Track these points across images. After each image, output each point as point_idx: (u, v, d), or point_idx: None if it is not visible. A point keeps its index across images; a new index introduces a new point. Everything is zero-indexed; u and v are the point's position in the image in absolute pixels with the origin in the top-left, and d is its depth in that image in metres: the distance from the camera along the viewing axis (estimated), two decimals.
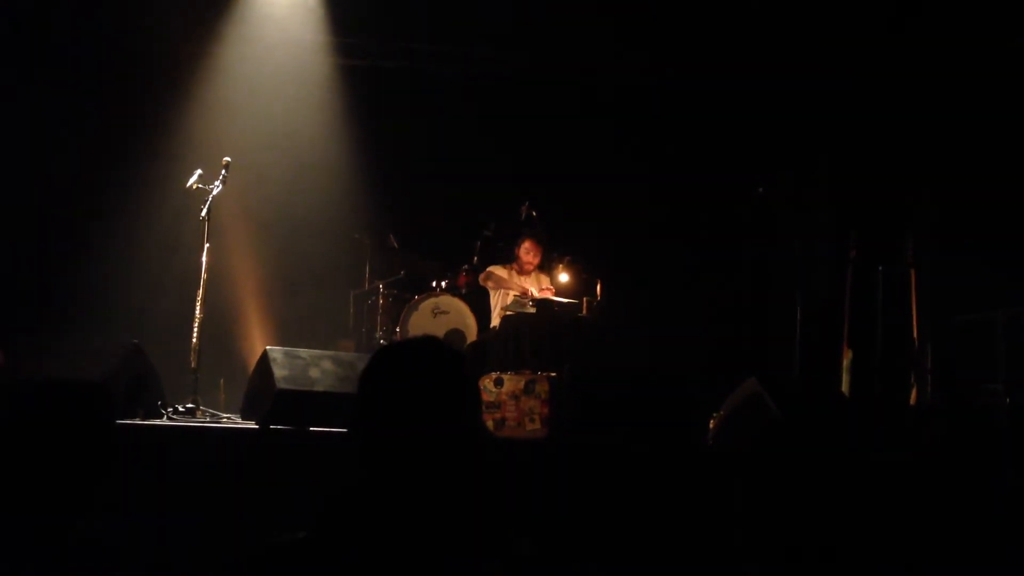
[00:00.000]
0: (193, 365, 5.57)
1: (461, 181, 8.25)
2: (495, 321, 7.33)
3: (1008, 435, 5.20)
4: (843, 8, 7.52)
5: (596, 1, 7.91)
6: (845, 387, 7.04)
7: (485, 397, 5.51)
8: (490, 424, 5.45)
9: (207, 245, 5.68)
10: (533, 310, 7.03)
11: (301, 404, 4.67)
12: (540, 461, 4.45)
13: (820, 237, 7.89)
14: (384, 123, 8.53)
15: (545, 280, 7.41)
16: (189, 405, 5.32)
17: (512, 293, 7.28)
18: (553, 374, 5.62)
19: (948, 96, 7.08)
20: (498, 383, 5.50)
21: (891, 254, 7.06)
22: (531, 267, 7.40)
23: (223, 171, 5.80)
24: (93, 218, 7.84)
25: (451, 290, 7.78)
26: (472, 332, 7.62)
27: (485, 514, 1.70)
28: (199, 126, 8.13)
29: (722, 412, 5.05)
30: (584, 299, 7.20)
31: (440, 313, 7.70)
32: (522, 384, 5.46)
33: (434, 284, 7.84)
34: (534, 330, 6.73)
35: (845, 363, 7.09)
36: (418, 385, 1.73)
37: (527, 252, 7.38)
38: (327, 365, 4.98)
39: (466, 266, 7.80)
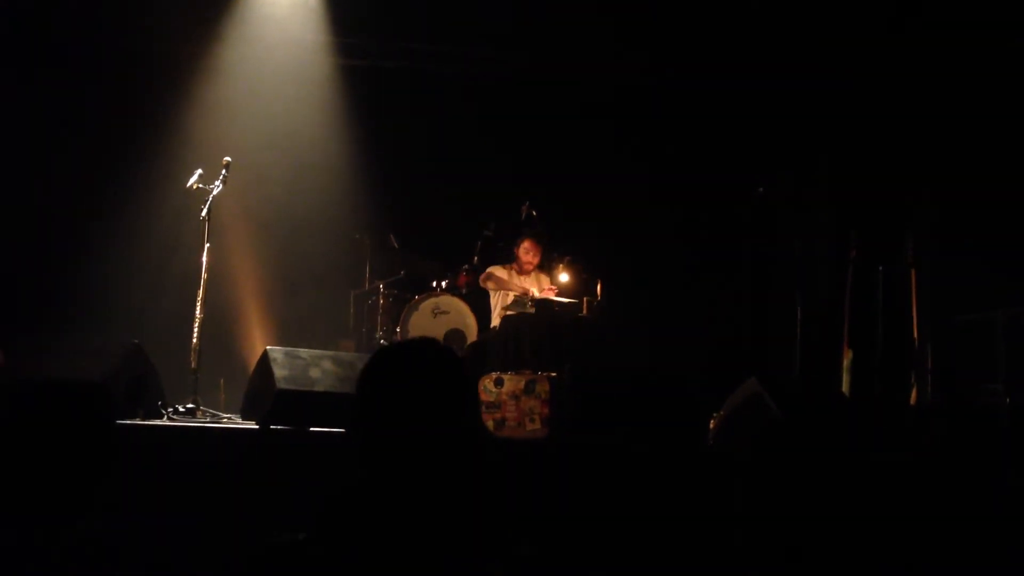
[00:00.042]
0: (193, 365, 5.57)
1: (461, 181, 8.25)
2: (495, 321, 7.33)
3: (1008, 435, 5.19)
4: (843, 7, 7.53)
5: (596, 1, 7.91)
6: (845, 387, 7.04)
7: (485, 397, 5.51)
8: (490, 424, 5.45)
9: (207, 245, 5.68)
10: (533, 310, 7.03)
11: (301, 404, 4.67)
12: (540, 461, 4.45)
13: (820, 237, 7.88)
14: (384, 123, 8.53)
15: (545, 280, 7.41)
16: (189, 405, 5.33)
17: (512, 293, 7.28)
18: (553, 374, 5.62)
19: (948, 96, 7.08)
20: (498, 383, 5.50)
21: (891, 254, 7.06)
22: (531, 267, 7.40)
23: (223, 171, 5.80)
24: (93, 218, 7.85)
25: (451, 290, 7.78)
26: (472, 332, 7.62)
27: (485, 514, 1.70)
28: (199, 126, 8.13)
29: (722, 412, 5.05)
30: (584, 299, 7.20)
31: (440, 313, 7.70)
32: (522, 384, 5.46)
33: (434, 284, 7.84)
34: (534, 330, 6.73)
35: (845, 363, 7.09)
36: (416, 386, 1.73)
37: (527, 252, 7.37)
38: (327, 365, 4.98)
39: (466, 266, 7.80)
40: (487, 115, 8.43)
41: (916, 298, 7.00)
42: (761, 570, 3.30)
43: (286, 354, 4.97)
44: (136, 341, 5.23)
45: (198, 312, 5.61)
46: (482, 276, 7.43)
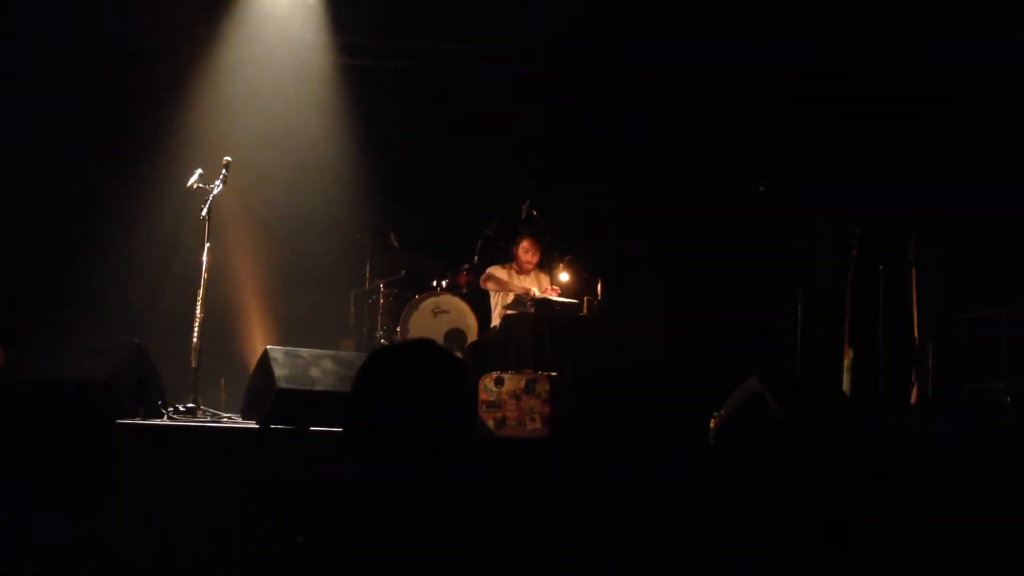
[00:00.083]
0: (194, 365, 5.56)
1: (462, 180, 8.25)
2: (496, 320, 7.33)
3: (1010, 433, 5.19)
4: (843, 7, 7.53)
5: (596, 1, 7.92)
6: (846, 386, 7.02)
7: (486, 396, 5.50)
8: (491, 423, 5.45)
9: (208, 245, 5.67)
10: (533, 310, 7.03)
11: (302, 404, 4.66)
12: (541, 460, 4.45)
13: (821, 236, 7.88)
14: (385, 122, 8.53)
15: (545, 279, 7.41)
16: (190, 405, 5.32)
17: (513, 294, 7.28)
18: (554, 373, 5.62)
19: (948, 94, 7.07)
20: (499, 382, 5.50)
21: (892, 252, 7.05)
22: (530, 266, 7.39)
23: (223, 171, 5.80)
24: (94, 218, 7.86)
25: (452, 289, 7.78)
26: (473, 331, 7.62)
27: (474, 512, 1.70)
28: (200, 126, 8.14)
29: (723, 411, 5.04)
30: (585, 298, 7.19)
31: (441, 312, 7.70)
32: (523, 383, 5.45)
33: (435, 283, 7.84)
34: (535, 329, 6.72)
35: (846, 362, 7.07)
36: (412, 386, 1.73)
37: (526, 251, 7.37)
38: (328, 364, 4.98)
39: (467, 265, 7.79)
40: (488, 114, 8.42)
41: (917, 296, 6.99)
42: (764, 569, 3.30)
43: (286, 353, 4.97)
44: (136, 341, 5.23)
45: (198, 311, 5.61)
46: (482, 277, 7.43)
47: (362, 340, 8.20)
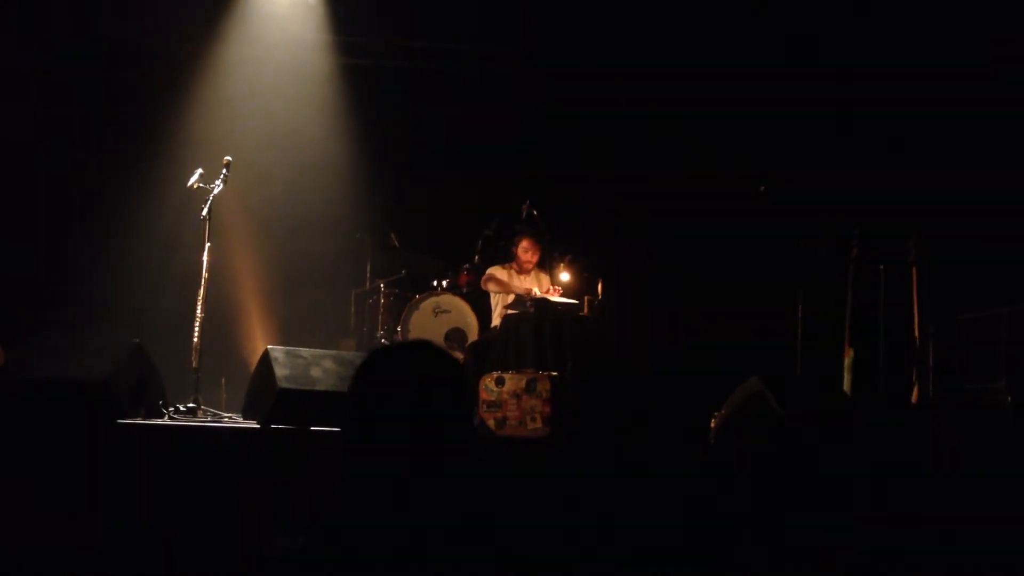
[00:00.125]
0: (194, 364, 5.56)
1: (462, 180, 8.25)
2: (496, 320, 7.33)
3: (1010, 433, 5.18)
4: (843, 6, 7.53)
5: (597, 1, 7.91)
6: (847, 386, 7.02)
7: (486, 396, 5.51)
8: (491, 423, 5.45)
9: (208, 244, 5.67)
10: (532, 310, 7.03)
11: (302, 404, 4.66)
12: (541, 460, 4.45)
13: (821, 235, 7.88)
14: (385, 122, 8.53)
15: (545, 279, 7.40)
16: (190, 404, 5.32)
17: (514, 295, 7.28)
18: (555, 373, 5.62)
19: (949, 92, 7.07)
20: (499, 382, 5.50)
21: (893, 252, 7.05)
22: (530, 265, 7.39)
23: (224, 170, 5.80)
24: (94, 218, 7.85)
25: (452, 289, 7.78)
26: (473, 331, 7.62)
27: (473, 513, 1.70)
28: (200, 125, 8.14)
29: (723, 411, 5.04)
30: (585, 298, 7.19)
31: (441, 312, 7.70)
32: (523, 383, 5.46)
33: (435, 283, 7.84)
34: (535, 329, 6.72)
35: (847, 361, 7.08)
36: (408, 387, 1.73)
37: (525, 251, 7.36)
38: (328, 364, 4.98)
39: (467, 265, 7.80)
40: (488, 114, 8.42)
41: (917, 296, 6.99)
42: (764, 569, 3.30)
43: (287, 353, 4.97)
44: (137, 340, 5.23)
45: (199, 311, 5.61)
46: (483, 279, 7.42)
47: (363, 340, 8.20)
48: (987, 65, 6.94)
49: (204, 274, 5.65)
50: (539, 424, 5.40)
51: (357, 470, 1.71)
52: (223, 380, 6.96)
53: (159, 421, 4.93)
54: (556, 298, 7.07)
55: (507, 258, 7.51)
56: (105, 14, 7.76)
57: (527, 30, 8.33)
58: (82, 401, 1.89)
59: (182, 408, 5.26)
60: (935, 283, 6.98)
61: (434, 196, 8.33)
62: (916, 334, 6.85)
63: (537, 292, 7.22)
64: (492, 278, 7.36)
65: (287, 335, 7.81)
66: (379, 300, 8.05)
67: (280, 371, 4.78)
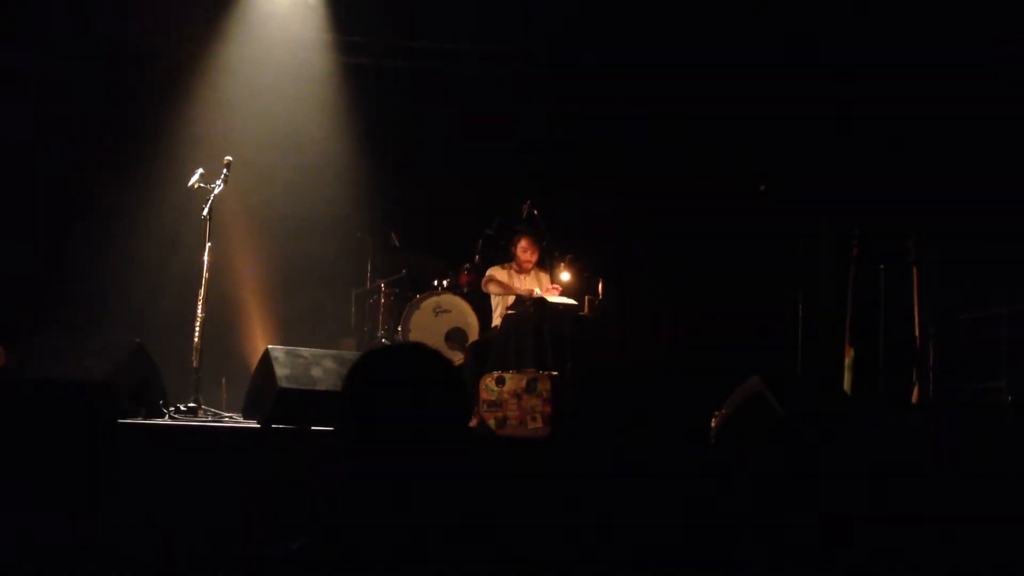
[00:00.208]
0: (195, 364, 5.56)
1: (463, 180, 8.25)
2: (497, 320, 7.33)
3: (1010, 433, 5.18)
4: (843, 6, 7.53)
5: (598, 1, 7.91)
6: (847, 385, 7.03)
7: (487, 396, 5.51)
8: (492, 423, 5.45)
9: (209, 244, 5.68)
10: (532, 310, 7.03)
11: (303, 403, 4.66)
12: (542, 460, 4.45)
13: (821, 235, 7.88)
14: (385, 122, 8.53)
15: (546, 278, 7.40)
16: (191, 404, 5.32)
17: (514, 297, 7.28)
18: (555, 373, 5.62)
19: (949, 92, 7.07)
20: (500, 382, 5.50)
21: (893, 252, 7.05)
22: (529, 265, 7.38)
23: (224, 170, 5.81)
24: (94, 218, 7.85)
25: (453, 289, 7.78)
26: (474, 331, 7.62)
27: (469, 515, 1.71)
28: (201, 125, 8.14)
29: (724, 411, 5.04)
30: (586, 298, 7.19)
31: (442, 312, 7.70)
32: (524, 383, 5.46)
33: (436, 283, 7.84)
34: (536, 329, 6.72)
35: (847, 361, 7.08)
36: (401, 387, 1.73)
37: (524, 250, 7.36)
38: (329, 364, 4.98)
39: (468, 265, 7.80)
40: (489, 114, 8.43)
41: (918, 296, 6.99)
42: (764, 569, 3.30)
43: (287, 353, 4.97)
44: (138, 340, 5.23)
45: (199, 311, 5.61)
46: (483, 281, 7.41)
47: (363, 340, 8.20)
48: (987, 65, 6.94)
49: (205, 274, 5.65)
50: (539, 424, 5.40)
51: (352, 470, 1.71)
52: (223, 380, 6.97)
53: (159, 421, 4.93)
54: (555, 297, 7.07)
55: (507, 258, 7.51)
56: (105, 14, 7.76)
57: (527, 30, 8.32)
58: (82, 401, 1.89)
59: (182, 408, 5.27)
60: (935, 283, 6.98)
61: (434, 196, 8.33)
62: (916, 334, 6.85)
63: (538, 292, 7.22)
64: (492, 279, 7.35)
65: (287, 335, 7.81)
66: (379, 300, 8.05)
67: (280, 371, 4.79)
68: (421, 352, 1.79)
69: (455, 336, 7.66)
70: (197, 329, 5.60)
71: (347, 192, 8.64)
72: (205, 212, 5.67)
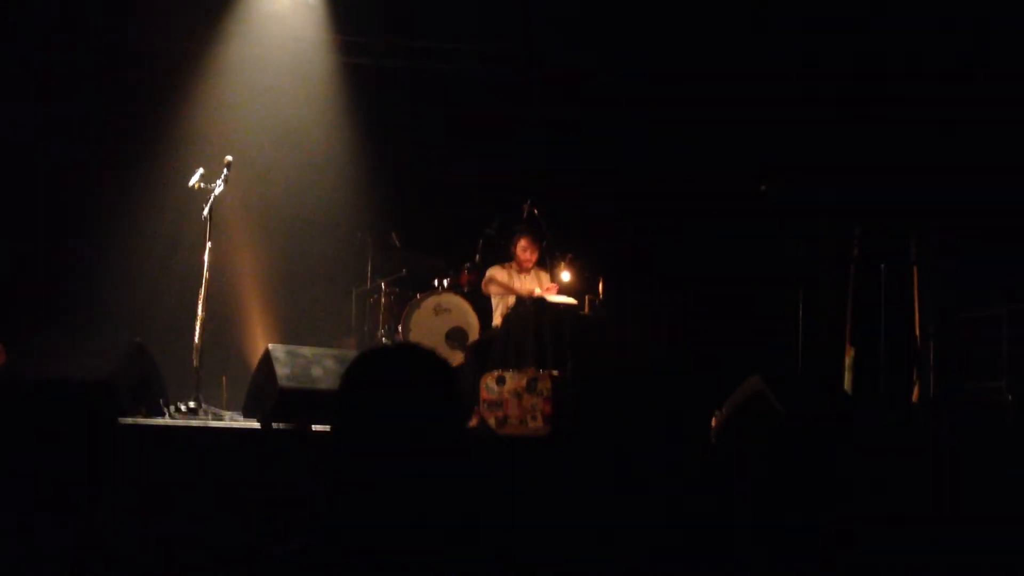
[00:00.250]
0: (195, 364, 5.57)
1: (463, 179, 8.25)
2: (497, 319, 7.33)
3: (1011, 432, 5.19)
4: (842, 6, 7.53)
5: (596, 1, 7.92)
6: (847, 385, 7.03)
7: (487, 395, 5.52)
8: (492, 422, 5.46)
9: (209, 244, 5.69)
10: (532, 309, 7.03)
11: (303, 403, 4.67)
12: (542, 459, 4.45)
13: (822, 234, 7.88)
14: (386, 122, 8.53)
15: (546, 278, 7.40)
16: (191, 404, 5.33)
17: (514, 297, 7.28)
18: (555, 372, 5.63)
19: (949, 92, 7.07)
20: (500, 381, 5.51)
21: (894, 251, 7.05)
22: (529, 264, 7.38)
23: (225, 170, 5.81)
24: (94, 218, 7.86)
25: (453, 288, 7.77)
26: (474, 330, 7.62)
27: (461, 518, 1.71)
28: (201, 125, 8.14)
29: (724, 410, 5.05)
30: (586, 297, 7.20)
31: (442, 311, 7.70)
32: (524, 382, 5.46)
33: (436, 282, 7.84)
34: (536, 328, 6.72)
35: (847, 361, 7.08)
36: (396, 387, 1.73)
37: (524, 250, 7.36)
38: (329, 363, 4.99)
39: (468, 264, 7.80)
40: (489, 113, 8.43)
41: (918, 296, 6.99)
42: (764, 569, 3.30)
43: (288, 352, 4.98)
44: (138, 340, 5.24)
45: (200, 311, 5.62)
46: (484, 282, 7.41)
47: (364, 339, 8.20)
48: (987, 64, 6.94)
49: (205, 274, 5.66)
50: (540, 423, 5.41)
51: (348, 470, 1.71)
52: (224, 379, 6.98)
53: (160, 421, 4.94)
54: (554, 296, 7.07)
55: (507, 258, 7.51)
56: (105, 14, 7.77)
57: (527, 30, 8.32)
58: (82, 401, 1.89)
59: (183, 408, 5.27)
60: (936, 283, 6.98)
61: (435, 195, 8.33)
62: (916, 334, 6.85)
63: (538, 292, 7.22)
64: (493, 280, 7.35)
65: (288, 334, 7.82)
66: (380, 299, 8.05)
67: (281, 370, 4.79)
68: (416, 352, 1.79)
69: (455, 335, 7.66)
70: (197, 329, 5.60)
71: (347, 192, 8.64)
72: (205, 212, 5.68)
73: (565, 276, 7.29)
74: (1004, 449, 4.68)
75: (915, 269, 6.87)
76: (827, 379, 6.96)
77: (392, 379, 1.74)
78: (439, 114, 8.50)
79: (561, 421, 5.38)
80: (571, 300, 7.11)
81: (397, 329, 7.73)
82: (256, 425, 4.83)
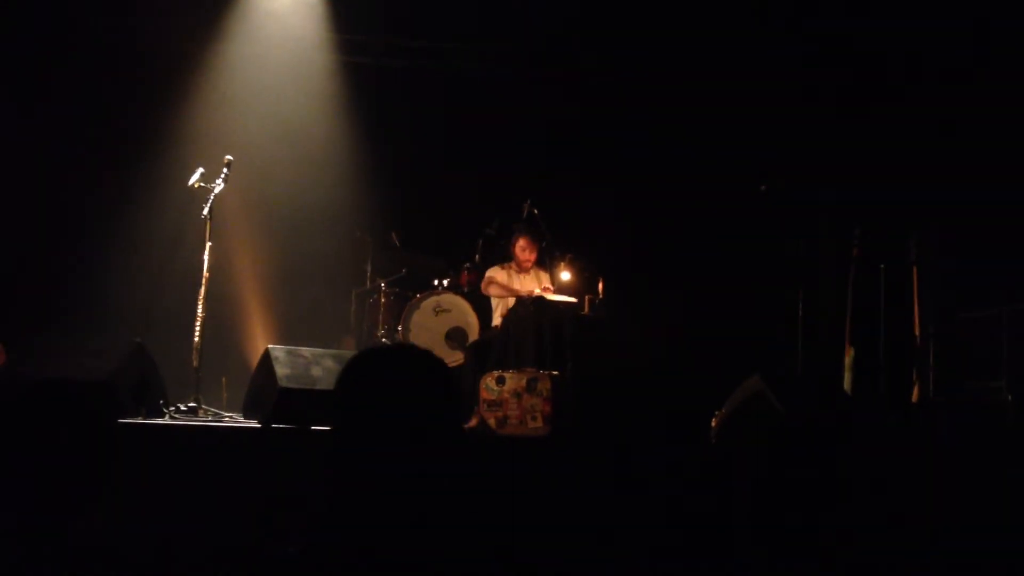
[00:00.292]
0: (195, 364, 5.57)
1: (463, 179, 8.25)
2: (497, 320, 7.33)
3: (1011, 432, 5.19)
4: (842, 6, 7.53)
5: (596, 1, 7.92)
6: (847, 385, 7.03)
7: (487, 395, 5.52)
8: (492, 422, 5.46)
9: (209, 244, 5.68)
10: (532, 308, 7.03)
11: (303, 403, 4.67)
12: (542, 459, 4.46)
13: (822, 235, 7.88)
14: (386, 121, 8.53)
15: (545, 277, 7.39)
16: (191, 404, 5.33)
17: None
18: (555, 372, 5.63)
19: (948, 91, 7.07)
20: (500, 381, 5.51)
21: (893, 252, 7.05)
22: (528, 263, 7.38)
23: (225, 170, 5.81)
24: (95, 217, 7.86)
25: (453, 288, 7.77)
26: (474, 330, 7.61)
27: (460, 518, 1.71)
28: (201, 124, 8.14)
29: (724, 410, 5.05)
30: (586, 297, 7.19)
31: (442, 311, 7.70)
32: (524, 382, 5.47)
33: (436, 282, 7.84)
34: (536, 328, 6.72)
35: (847, 361, 7.08)
36: (392, 388, 1.73)
37: (523, 250, 7.35)
38: (329, 364, 4.99)
39: (468, 264, 7.80)
40: (489, 113, 8.43)
41: (918, 295, 6.99)
42: (764, 569, 3.30)
43: (288, 353, 4.98)
44: (138, 340, 5.24)
45: (200, 311, 5.62)
46: (483, 283, 7.40)
47: (363, 339, 8.20)
48: (987, 64, 6.94)
49: (205, 273, 5.66)
50: (540, 423, 5.41)
51: (345, 470, 1.71)
52: (224, 379, 6.97)
53: (160, 421, 4.94)
54: (552, 296, 7.07)
55: (507, 258, 7.51)
56: (105, 14, 7.76)
57: (527, 30, 8.32)
58: (82, 401, 1.89)
59: (183, 408, 5.27)
60: (936, 283, 6.98)
61: (435, 195, 8.33)
62: (916, 334, 6.85)
63: (537, 291, 7.22)
64: (492, 282, 7.34)
65: (288, 334, 7.81)
66: (379, 299, 8.05)
67: (281, 370, 4.80)
68: (413, 353, 1.79)
69: (455, 336, 7.66)
70: (197, 329, 5.60)
71: (347, 191, 8.63)
72: (205, 211, 5.68)
73: (565, 276, 7.29)
74: (1004, 449, 4.68)
75: (915, 269, 6.87)
76: (827, 379, 6.96)
77: (388, 378, 1.75)
78: (439, 114, 8.50)
79: (561, 421, 5.38)
80: (571, 299, 7.11)
81: (397, 329, 7.73)
82: (256, 425, 4.83)
